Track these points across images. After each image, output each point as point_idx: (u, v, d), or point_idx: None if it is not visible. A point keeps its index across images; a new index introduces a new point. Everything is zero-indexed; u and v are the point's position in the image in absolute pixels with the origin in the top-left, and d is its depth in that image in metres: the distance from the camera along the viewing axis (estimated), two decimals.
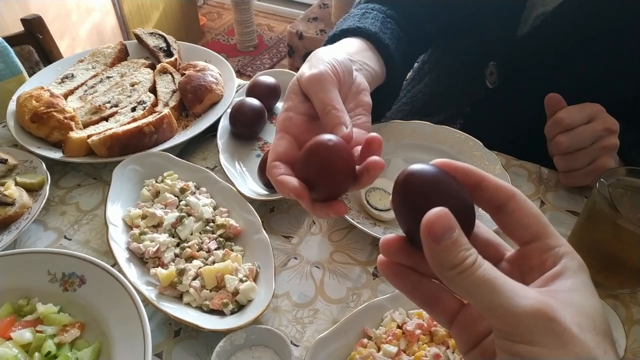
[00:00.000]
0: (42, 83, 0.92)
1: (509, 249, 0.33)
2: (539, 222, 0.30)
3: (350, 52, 0.62)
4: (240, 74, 2.84)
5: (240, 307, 0.59)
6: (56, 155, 0.79)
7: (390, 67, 0.70)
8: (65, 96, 0.91)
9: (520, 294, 0.26)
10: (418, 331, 0.54)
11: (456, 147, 0.79)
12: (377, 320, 0.57)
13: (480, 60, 0.83)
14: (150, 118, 0.81)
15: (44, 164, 0.76)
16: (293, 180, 0.40)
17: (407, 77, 1.02)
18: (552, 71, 0.76)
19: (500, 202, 0.31)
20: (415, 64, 1.00)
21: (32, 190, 0.74)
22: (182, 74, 0.93)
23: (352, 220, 0.67)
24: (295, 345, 0.58)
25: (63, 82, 0.94)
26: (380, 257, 0.32)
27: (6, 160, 0.76)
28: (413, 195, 0.29)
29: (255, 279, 0.62)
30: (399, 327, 0.55)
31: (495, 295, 0.26)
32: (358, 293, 0.63)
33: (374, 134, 0.40)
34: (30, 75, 0.98)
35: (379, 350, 0.54)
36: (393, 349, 0.52)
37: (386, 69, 0.69)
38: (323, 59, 0.49)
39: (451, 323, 0.32)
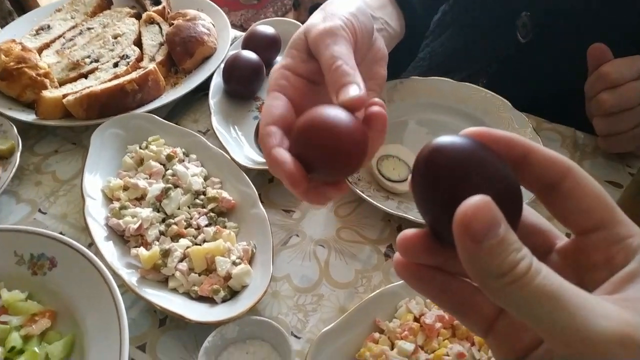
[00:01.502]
0: (15, 36, 0.83)
1: (561, 237, 0.26)
2: (604, 205, 0.24)
3: (371, 4, 0.54)
4: (243, 29, 2.71)
5: (233, 294, 0.52)
6: (29, 117, 0.71)
7: (411, 25, 0.62)
8: (40, 50, 0.82)
9: (598, 313, 0.20)
10: (438, 324, 0.47)
11: (480, 108, 0.70)
12: (390, 311, 0.50)
13: (510, 9, 0.74)
14: (134, 74, 0.74)
15: (15, 128, 0.69)
16: (289, 161, 0.32)
17: None
18: (594, 21, 0.66)
19: (553, 180, 0.24)
20: (435, 15, 0.89)
21: (2, 157, 0.67)
22: (171, 24, 0.83)
23: (361, 193, 0.58)
24: (296, 336, 0.51)
25: (38, 34, 0.85)
26: (397, 256, 0.26)
27: None
28: (441, 178, 0.23)
29: (250, 261, 0.54)
30: (416, 319, 0.48)
31: (561, 313, 0.20)
32: (368, 276, 0.56)
33: (376, 108, 0.34)
34: (1, 27, 0.89)
35: (392, 346, 0.47)
36: (409, 347, 0.45)
37: (407, 26, 0.61)
38: (339, 12, 0.40)
39: (488, 332, 0.26)
